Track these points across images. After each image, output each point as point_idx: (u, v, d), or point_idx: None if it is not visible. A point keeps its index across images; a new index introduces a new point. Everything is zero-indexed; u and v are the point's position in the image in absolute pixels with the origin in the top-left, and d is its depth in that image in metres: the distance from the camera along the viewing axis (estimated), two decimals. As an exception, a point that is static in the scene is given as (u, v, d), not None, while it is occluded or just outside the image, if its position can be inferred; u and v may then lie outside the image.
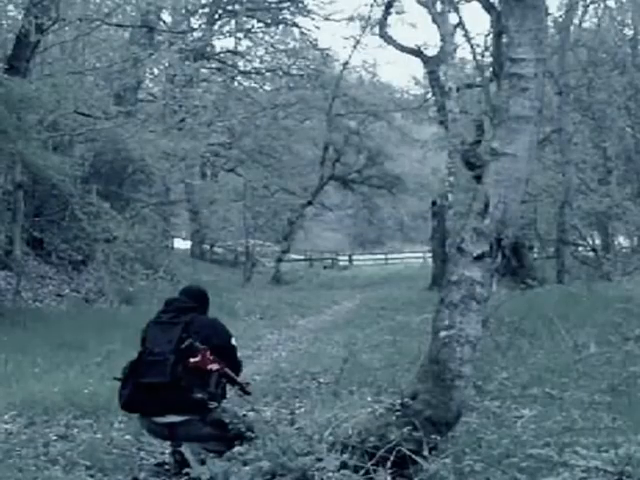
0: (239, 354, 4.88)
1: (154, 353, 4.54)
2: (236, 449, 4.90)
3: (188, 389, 4.39)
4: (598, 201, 17.63)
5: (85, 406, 5.98)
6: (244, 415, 4.61)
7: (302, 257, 37.13)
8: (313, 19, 28.55)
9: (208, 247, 30.25)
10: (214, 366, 4.51)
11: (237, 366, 4.78)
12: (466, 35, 19.91)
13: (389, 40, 23.68)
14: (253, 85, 28.67)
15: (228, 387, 4.77)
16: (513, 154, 4.13)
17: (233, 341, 4.84)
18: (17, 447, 4.93)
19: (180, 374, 4.42)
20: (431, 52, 22.88)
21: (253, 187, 27.71)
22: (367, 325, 12.08)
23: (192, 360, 4.45)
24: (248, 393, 4.77)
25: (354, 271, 34.05)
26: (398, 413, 4.05)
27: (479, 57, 20.26)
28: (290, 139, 28.94)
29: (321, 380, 7.49)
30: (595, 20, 20.72)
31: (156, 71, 20.78)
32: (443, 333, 4.05)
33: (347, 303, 18.66)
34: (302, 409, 6.00)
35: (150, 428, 4.61)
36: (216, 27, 26.82)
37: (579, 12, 19.29)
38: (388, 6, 23.69)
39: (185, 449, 4.39)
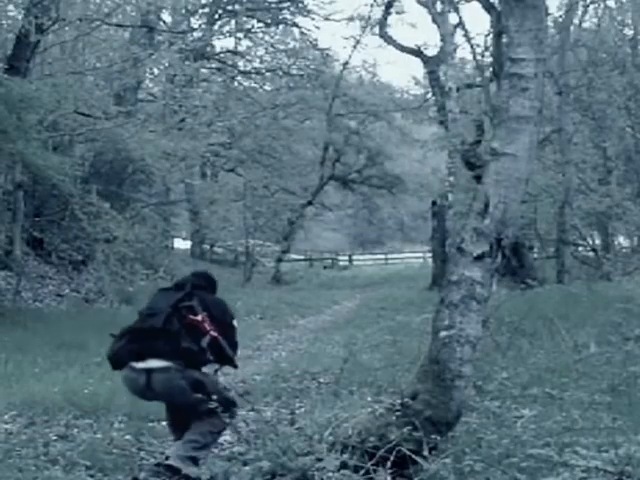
0: (238, 338, 4.78)
1: (153, 308, 4.61)
2: (236, 449, 4.92)
3: (176, 337, 4.37)
4: (598, 201, 17.63)
5: (85, 406, 5.97)
6: (226, 389, 4.59)
7: (302, 257, 37.14)
8: (313, 19, 28.62)
9: (208, 247, 30.25)
10: (211, 330, 4.47)
11: (234, 346, 4.70)
12: (466, 35, 19.92)
13: (389, 40, 23.70)
14: (253, 85, 28.68)
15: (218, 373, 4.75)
16: (513, 154, 4.14)
17: (234, 322, 4.78)
18: (17, 447, 4.92)
19: (173, 323, 4.42)
20: (431, 52, 22.93)
21: (253, 187, 27.72)
22: (367, 325, 12.07)
23: (191, 317, 4.46)
24: (235, 366, 4.71)
25: (354, 271, 34.04)
26: (398, 413, 4.05)
27: (479, 57, 20.26)
28: (290, 139, 28.95)
29: (321, 380, 7.49)
30: (595, 20, 20.73)
31: (156, 71, 20.78)
32: (443, 333, 4.05)
33: (347, 303, 18.66)
34: (302, 409, 6.00)
35: (128, 377, 4.48)
36: (216, 27, 26.83)
37: (579, 12, 19.31)
38: (388, 6, 23.71)
39: (174, 459, 4.32)
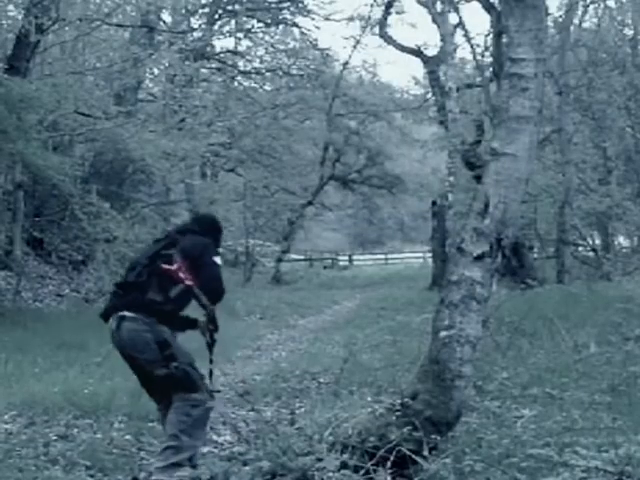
0: (221, 276, 4.55)
1: (133, 262, 4.73)
2: (236, 449, 4.91)
3: (145, 289, 4.39)
4: (598, 201, 17.63)
5: (85, 406, 5.97)
6: (197, 372, 4.45)
7: (302, 257, 37.12)
8: (313, 19, 28.61)
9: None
10: (185, 279, 4.38)
11: (216, 282, 4.50)
12: (466, 35, 19.91)
13: (389, 40, 23.69)
14: (253, 85, 28.64)
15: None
16: (513, 154, 4.14)
17: (216, 259, 4.57)
18: (17, 447, 4.92)
19: (145, 275, 4.44)
20: (431, 52, 22.92)
21: (253, 187, 27.70)
22: (367, 325, 12.08)
23: (165, 266, 4.43)
24: (211, 311, 4.49)
25: (354, 271, 34.04)
26: (398, 413, 4.05)
27: (479, 57, 20.25)
28: (290, 139, 28.92)
29: (321, 380, 7.49)
30: (595, 20, 20.74)
31: (156, 71, 20.75)
32: (443, 333, 4.05)
33: (347, 303, 18.66)
34: (302, 409, 6.01)
35: (109, 325, 4.53)
36: (216, 27, 26.79)
37: (579, 12, 19.31)
38: (388, 6, 23.70)
39: (156, 474, 4.28)
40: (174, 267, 4.41)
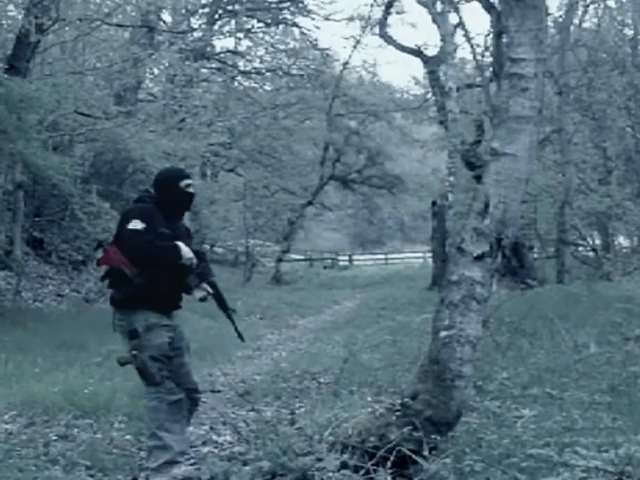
0: (144, 238, 4.22)
1: None
2: (236, 449, 4.91)
3: (110, 285, 4.50)
4: (598, 201, 17.63)
5: (85, 406, 5.97)
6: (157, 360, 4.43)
7: (302, 257, 37.15)
8: (313, 19, 28.75)
9: (208, 247, 30.25)
10: (110, 262, 4.37)
11: (133, 255, 4.25)
12: (466, 35, 19.90)
13: (389, 40, 23.70)
14: (253, 85, 28.67)
15: None
16: (513, 154, 4.13)
17: (133, 224, 4.22)
18: (17, 447, 4.93)
19: (104, 272, 4.55)
20: (431, 52, 22.93)
21: (253, 187, 27.73)
22: (367, 325, 12.07)
23: (98, 257, 4.50)
24: (133, 279, 4.38)
25: (354, 271, 34.06)
26: (398, 413, 4.05)
27: (479, 57, 20.25)
28: (290, 139, 28.95)
29: (321, 380, 7.49)
30: (595, 20, 20.74)
31: (156, 71, 20.79)
32: (443, 333, 4.05)
33: (347, 303, 18.67)
34: (302, 409, 6.00)
35: None
36: (216, 27, 26.81)
37: (579, 12, 19.32)
38: (388, 6, 23.71)
39: (152, 476, 4.33)
40: (106, 256, 4.43)
